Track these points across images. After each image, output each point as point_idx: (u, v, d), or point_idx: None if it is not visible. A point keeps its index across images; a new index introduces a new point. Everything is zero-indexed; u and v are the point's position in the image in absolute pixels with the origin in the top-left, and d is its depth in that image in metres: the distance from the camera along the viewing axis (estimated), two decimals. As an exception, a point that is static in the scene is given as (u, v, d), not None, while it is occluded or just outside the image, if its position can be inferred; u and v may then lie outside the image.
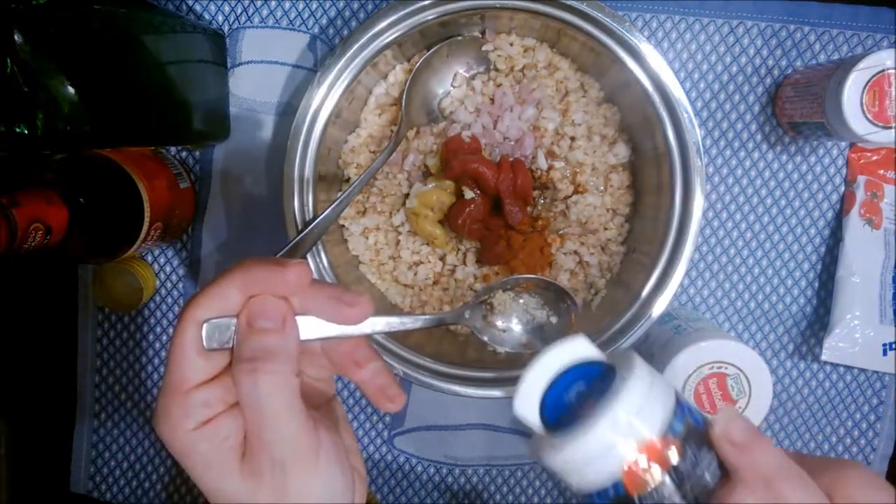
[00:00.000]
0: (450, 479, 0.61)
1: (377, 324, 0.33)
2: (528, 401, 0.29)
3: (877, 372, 0.58)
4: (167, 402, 0.29)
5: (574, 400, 0.28)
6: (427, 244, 0.54)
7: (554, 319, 0.45)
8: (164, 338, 0.60)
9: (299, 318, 0.30)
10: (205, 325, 0.29)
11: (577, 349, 0.29)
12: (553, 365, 0.29)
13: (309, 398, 0.32)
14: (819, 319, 0.58)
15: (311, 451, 0.29)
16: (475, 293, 0.42)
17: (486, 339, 0.42)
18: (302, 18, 0.56)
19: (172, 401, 0.29)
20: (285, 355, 0.29)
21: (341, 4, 0.55)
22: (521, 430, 0.59)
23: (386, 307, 0.55)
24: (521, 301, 0.44)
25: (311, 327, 0.30)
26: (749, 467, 0.26)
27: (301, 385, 0.30)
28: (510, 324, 0.43)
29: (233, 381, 0.29)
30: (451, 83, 0.54)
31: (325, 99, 0.49)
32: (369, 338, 0.35)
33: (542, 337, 0.44)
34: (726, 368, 0.47)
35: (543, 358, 0.29)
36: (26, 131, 0.35)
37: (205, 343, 0.29)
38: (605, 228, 0.54)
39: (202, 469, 0.29)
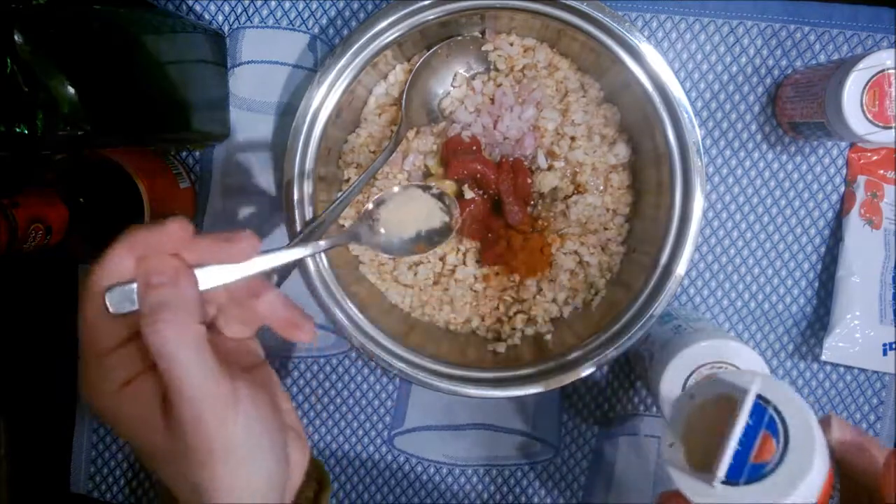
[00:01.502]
0: (450, 479, 0.61)
1: (267, 261, 0.34)
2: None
3: (877, 372, 0.58)
4: (85, 368, 0.31)
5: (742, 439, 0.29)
6: (427, 244, 0.54)
7: (440, 222, 0.46)
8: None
9: (198, 271, 0.32)
10: (108, 293, 0.30)
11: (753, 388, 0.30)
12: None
13: (236, 358, 0.34)
14: (819, 319, 0.58)
15: (227, 400, 0.30)
16: (367, 210, 0.43)
17: (377, 250, 0.44)
18: (302, 18, 0.56)
19: (89, 366, 0.31)
20: (184, 304, 0.30)
21: (341, 4, 0.55)
22: (521, 431, 0.59)
23: (386, 307, 0.55)
24: (409, 208, 0.44)
25: (210, 277, 0.32)
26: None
27: (223, 345, 0.32)
28: (398, 233, 0.44)
29: (143, 339, 0.30)
30: (452, 83, 0.54)
31: (325, 99, 0.49)
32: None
33: (429, 239, 0.45)
34: (726, 368, 0.47)
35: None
36: (26, 131, 0.35)
37: (111, 309, 0.30)
38: (605, 228, 0.54)
39: (128, 429, 0.31)
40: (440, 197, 0.46)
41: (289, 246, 0.37)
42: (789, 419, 0.29)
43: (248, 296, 0.34)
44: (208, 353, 0.30)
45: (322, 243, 0.39)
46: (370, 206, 0.44)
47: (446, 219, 0.45)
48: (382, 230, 0.43)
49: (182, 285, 0.31)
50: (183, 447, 0.29)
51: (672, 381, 0.47)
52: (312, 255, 0.38)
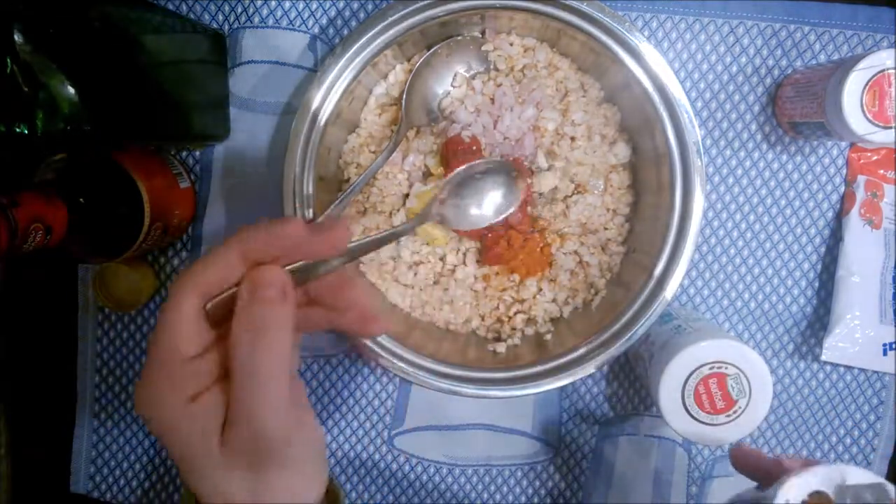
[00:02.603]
0: (450, 479, 0.61)
1: (357, 248, 0.33)
2: None
3: (877, 372, 0.58)
4: (156, 374, 0.29)
5: None
6: (427, 244, 0.54)
7: (506, 193, 0.45)
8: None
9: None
10: (210, 302, 0.29)
11: None
12: None
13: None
14: (819, 319, 0.58)
15: (293, 425, 0.29)
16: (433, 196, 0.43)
17: (452, 226, 0.43)
18: (302, 18, 0.56)
19: (162, 373, 0.29)
20: (286, 326, 0.29)
21: (341, 4, 0.55)
22: (521, 431, 0.59)
23: (386, 307, 0.55)
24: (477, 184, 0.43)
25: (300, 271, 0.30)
26: None
27: None
28: (475, 207, 0.44)
29: (230, 350, 0.28)
30: (452, 83, 0.54)
31: (325, 99, 0.49)
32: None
33: (498, 210, 0.44)
34: (726, 368, 0.47)
35: None
36: (26, 131, 0.35)
37: (210, 312, 0.29)
38: (605, 228, 0.54)
39: (185, 446, 0.29)
40: (507, 170, 0.44)
41: (381, 233, 0.36)
42: None
43: (333, 291, 0.32)
44: (287, 379, 0.29)
45: (409, 224, 0.38)
46: (452, 184, 0.42)
47: (513, 189, 0.44)
48: (468, 206, 0.43)
49: (289, 304, 0.29)
50: (240, 463, 0.29)
51: (672, 381, 0.47)
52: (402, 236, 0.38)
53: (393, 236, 0.37)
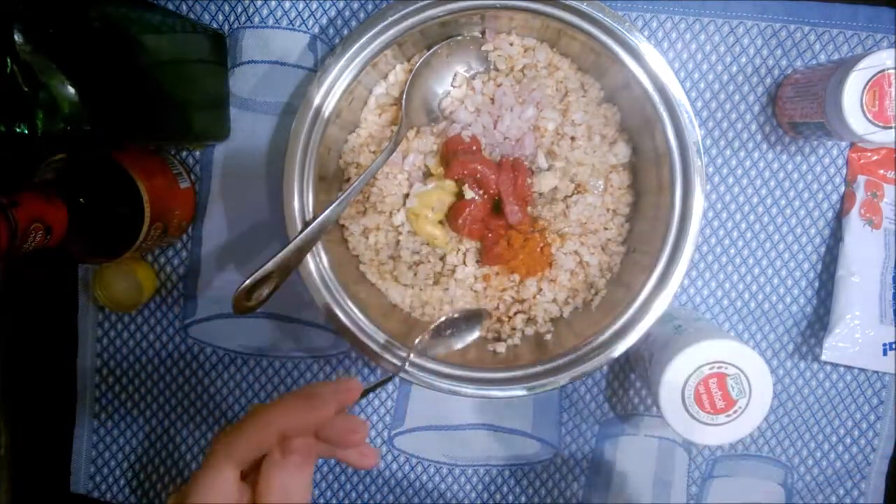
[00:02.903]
0: (450, 479, 0.61)
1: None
2: None
3: (877, 372, 0.58)
4: None
5: None
6: (427, 244, 0.54)
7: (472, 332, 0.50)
8: (165, 338, 0.60)
9: None
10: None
11: None
12: None
13: None
14: (819, 319, 0.58)
15: None
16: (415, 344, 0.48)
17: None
18: (302, 18, 0.56)
19: None
20: (307, 485, 0.34)
21: (341, 4, 0.55)
22: (521, 431, 0.59)
23: (386, 307, 0.55)
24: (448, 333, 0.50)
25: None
26: None
27: None
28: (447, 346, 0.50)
29: (258, 498, 0.33)
30: (452, 83, 0.54)
31: (325, 99, 0.49)
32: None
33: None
34: (726, 368, 0.47)
35: None
36: (26, 131, 0.35)
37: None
38: (606, 228, 0.54)
39: None
40: None
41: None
42: None
43: (341, 435, 0.35)
44: None
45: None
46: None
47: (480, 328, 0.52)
48: (447, 341, 0.50)
49: (310, 466, 0.34)
50: None
51: (672, 381, 0.47)
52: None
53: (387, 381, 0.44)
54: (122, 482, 0.62)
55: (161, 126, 0.48)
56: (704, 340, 0.47)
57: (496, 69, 0.54)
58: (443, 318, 0.49)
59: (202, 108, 0.52)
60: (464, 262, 0.54)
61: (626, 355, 0.57)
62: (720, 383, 0.47)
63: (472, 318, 0.50)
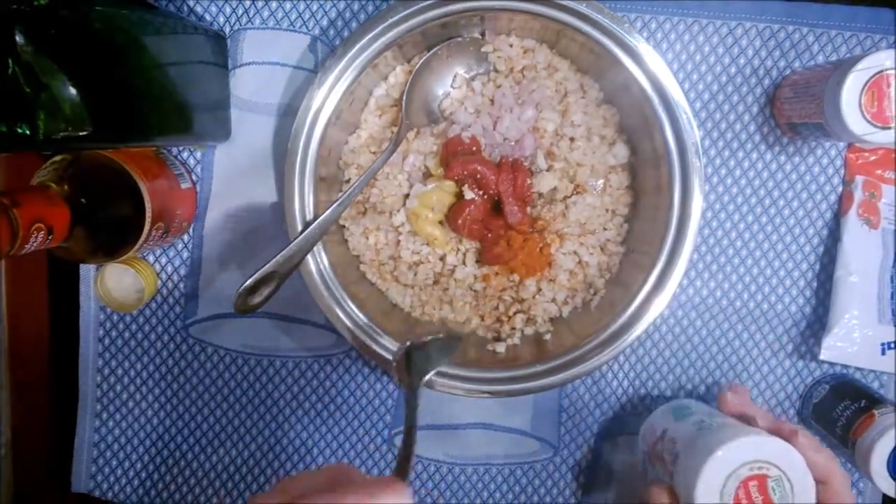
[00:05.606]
0: (449, 478, 0.61)
1: None
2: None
3: (875, 371, 0.58)
4: None
5: None
6: (427, 244, 0.54)
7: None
8: (166, 337, 0.60)
9: None
10: None
11: None
12: None
13: None
14: (818, 319, 0.59)
15: None
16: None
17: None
18: (303, 20, 0.56)
19: None
20: None
21: (342, 6, 0.56)
22: (521, 430, 0.59)
23: (386, 307, 0.55)
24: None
25: None
26: None
27: None
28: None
29: None
30: (451, 84, 0.54)
31: (325, 100, 0.49)
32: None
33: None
34: (767, 469, 0.41)
35: None
36: (28, 132, 0.36)
37: None
38: (605, 229, 0.55)
39: None
40: None
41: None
42: None
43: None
44: None
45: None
46: None
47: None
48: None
49: None
50: None
51: (709, 486, 0.42)
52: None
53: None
54: (123, 481, 0.62)
55: (162, 127, 0.48)
56: (735, 439, 0.42)
57: (496, 70, 0.54)
58: (427, 338, 0.48)
59: (203, 109, 0.52)
60: (463, 263, 0.55)
61: (639, 455, 0.53)
62: (760, 487, 0.41)
63: (449, 342, 0.50)
